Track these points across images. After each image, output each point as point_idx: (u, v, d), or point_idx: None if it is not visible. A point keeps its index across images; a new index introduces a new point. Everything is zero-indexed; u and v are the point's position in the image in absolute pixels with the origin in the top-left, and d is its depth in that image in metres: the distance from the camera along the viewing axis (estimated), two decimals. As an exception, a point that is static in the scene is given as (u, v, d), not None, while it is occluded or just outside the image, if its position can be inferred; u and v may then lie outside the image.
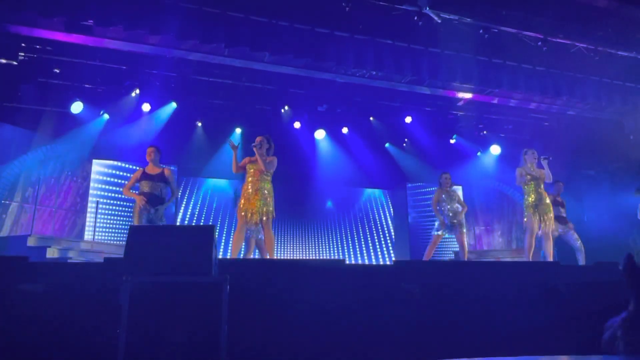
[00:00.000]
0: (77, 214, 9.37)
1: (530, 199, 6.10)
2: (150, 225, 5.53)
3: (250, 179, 5.65)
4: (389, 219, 12.17)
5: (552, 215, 6.12)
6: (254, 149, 5.61)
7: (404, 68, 7.97)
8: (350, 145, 11.06)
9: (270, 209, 5.59)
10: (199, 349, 3.05)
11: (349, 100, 10.06)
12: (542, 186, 6.15)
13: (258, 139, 5.74)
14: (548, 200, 6.16)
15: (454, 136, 11.19)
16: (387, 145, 11.48)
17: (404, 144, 11.45)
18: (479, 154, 11.50)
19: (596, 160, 10.19)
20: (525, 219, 6.13)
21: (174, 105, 9.37)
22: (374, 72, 8.14)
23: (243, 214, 5.50)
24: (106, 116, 9.24)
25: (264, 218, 5.51)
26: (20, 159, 8.28)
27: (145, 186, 5.83)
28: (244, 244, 6.11)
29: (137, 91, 8.82)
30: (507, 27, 7.52)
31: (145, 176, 5.89)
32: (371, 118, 10.65)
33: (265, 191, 5.60)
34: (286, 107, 9.91)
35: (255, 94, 9.55)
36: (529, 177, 6.11)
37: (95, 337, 3.12)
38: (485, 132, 10.97)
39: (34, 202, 8.47)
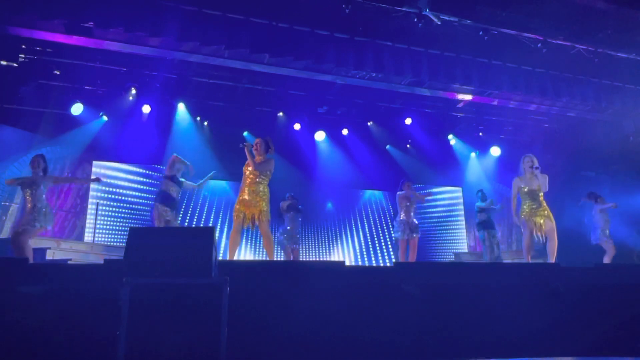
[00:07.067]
0: (77, 216, 9.37)
1: (525, 207, 6.01)
2: (150, 226, 5.56)
3: (245, 180, 5.65)
4: (389, 221, 12.17)
5: (552, 222, 5.96)
6: (245, 149, 5.58)
7: (404, 70, 7.98)
8: (351, 147, 11.06)
9: (265, 210, 5.56)
10: (198, 351, 3.05)
11: (349, 101, 10.07)
12: (540, 195, 5.98)
13: (257, 140, 5.74)
14: (545, 205, 6.00)
15: (454, 137, 11.19)
16: (387, 146, 11.48)
17: (407, 145, 11.45)
18: (472, 155, 11.53)
19: (596, 162, 10.19)
20: (521, 223, 6.02)
21: (182, 107, 9.42)
22: (374, 74, 8.11)
23: (239, 215, 5.49)
24: (105, 118, 9.25)
25: (260, 220, 5.49)
26: (20, 161, 8.27)
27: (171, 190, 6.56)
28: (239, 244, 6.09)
29: (136, 92, 8.82)
30: (506, 28, 7.52)
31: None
32: (370, 123, 10.66)
33: (260, 193, 5.58)
34: (285, 110, 9.91)
35: (256, 95, 9.56)
36: (525, 189, 6.00)
37: (95, 339, 3.12)
38: (482, 134, 10.97)
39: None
